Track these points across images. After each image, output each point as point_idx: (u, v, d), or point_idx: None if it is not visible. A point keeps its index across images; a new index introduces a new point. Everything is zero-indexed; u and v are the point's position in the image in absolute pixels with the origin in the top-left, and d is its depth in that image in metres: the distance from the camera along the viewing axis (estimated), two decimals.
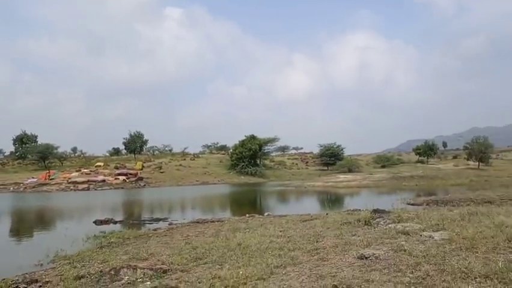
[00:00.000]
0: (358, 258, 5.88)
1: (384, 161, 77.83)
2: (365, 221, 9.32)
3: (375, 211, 10.42)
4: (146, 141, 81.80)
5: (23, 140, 75.88)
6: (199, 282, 5.44)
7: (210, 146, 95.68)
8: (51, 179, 50.44)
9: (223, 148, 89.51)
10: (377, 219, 9.43)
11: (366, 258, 5.80)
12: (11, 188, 46.30)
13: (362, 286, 4.59)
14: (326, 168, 73.56)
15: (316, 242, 7.63)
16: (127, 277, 6.22)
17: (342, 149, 76.86)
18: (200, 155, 79.76)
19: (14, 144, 77.59)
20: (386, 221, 9.19)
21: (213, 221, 14.66)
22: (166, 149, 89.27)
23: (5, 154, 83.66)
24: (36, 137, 77.42)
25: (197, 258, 7.19)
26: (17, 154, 76.30)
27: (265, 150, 71.93)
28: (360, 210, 13.12)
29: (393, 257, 5.75)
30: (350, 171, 65.28)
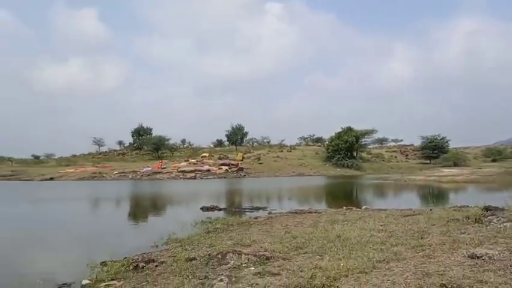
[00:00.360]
0: (468, 257, 5.54)
1: (495, 154, 70.39)
2: (475, 218, 8.62)
3: (487, 208, 9.55)
4: (246, 133, 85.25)
5: (140, 133, 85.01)
6: (301, 271, 5.61)
7: (306, 138, 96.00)
8: (163, 168, 55.13)
9: (319, 140, 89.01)
10: (489, 217, 8.65)
11: (477, 257, 5.43)
12: (130, 176, 51.77)
13: (474, 287, 4.35)
14: (428, 161, 68.94)
15: (421, 238, 7.31)
16: (232, 261, 6.65)
17: (447, 141, 71.27)
18: (296, 147, 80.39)
19: (133, 136, 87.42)
20: (499, 219, 8.39)
21: (310, 212, 14.73)
22: (265, 141, 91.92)
23: (125, 145, 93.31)
24: (151, 129, 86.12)
25: (297, 247, 7.38)
26: (135, 145, 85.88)
27: (362, 142, 69.71)
28: (468, 206, 12.12)
29: (509, 258, 5.29)
30: (455, 165, 60.36)
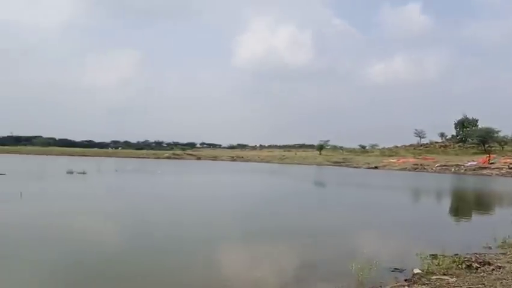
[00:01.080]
0: None
1: None
2: None
3: None
4: None
5: (464, 124, 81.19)
6: None
7: None
8: (491, 163, 50.05)
9: None
10: None
11: None
12: (452, 169, 49.69)
13: None
14: None
15: None
16: None
17: None
18: None
19: (456, 127, 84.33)
20: None
21: None
22: None
23: (447, 137, 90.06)
24: (476, 121, 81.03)
25: None
26: (457, 137, 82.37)
27: None
28: None
29: None
30: None
